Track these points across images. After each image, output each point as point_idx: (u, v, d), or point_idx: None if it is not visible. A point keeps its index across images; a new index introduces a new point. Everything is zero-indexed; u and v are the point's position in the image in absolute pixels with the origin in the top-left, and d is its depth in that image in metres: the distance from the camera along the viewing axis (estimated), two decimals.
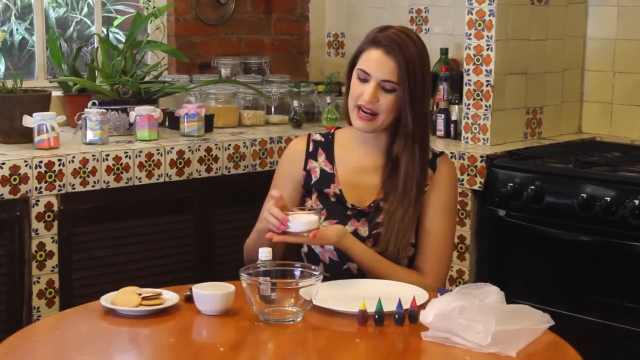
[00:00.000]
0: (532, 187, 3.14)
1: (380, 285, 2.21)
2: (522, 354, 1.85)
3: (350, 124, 2.46)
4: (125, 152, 3.16)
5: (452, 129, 3.65)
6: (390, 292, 2.11)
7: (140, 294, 2.07)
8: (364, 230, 2.39)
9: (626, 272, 2.95)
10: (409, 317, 2.00)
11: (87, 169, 3.07)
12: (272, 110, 3.94)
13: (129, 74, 3.46)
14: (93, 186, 3.09)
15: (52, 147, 3.09)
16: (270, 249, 2.16)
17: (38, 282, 3.00)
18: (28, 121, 3.09)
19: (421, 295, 2.11)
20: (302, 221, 2.19)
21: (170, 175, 3.28)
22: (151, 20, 3.65)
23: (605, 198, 2.96)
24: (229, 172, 3.43)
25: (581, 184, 3.04)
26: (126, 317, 2.03)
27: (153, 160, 3.23)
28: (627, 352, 2.98)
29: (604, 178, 3.02)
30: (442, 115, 3.65)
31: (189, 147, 3.32)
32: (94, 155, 3.09)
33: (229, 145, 3.43)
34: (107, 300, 2.07)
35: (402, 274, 2.33)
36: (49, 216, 3.00)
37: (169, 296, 2.11)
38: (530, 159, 3.33)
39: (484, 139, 3.48)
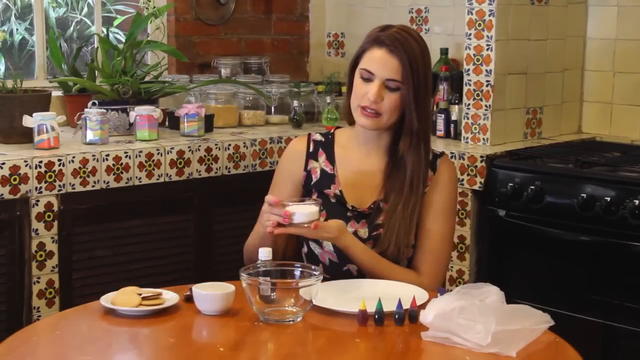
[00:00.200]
0: (532, 187, 3.14)
1: (380, 285, 2.21)
2: (522, 354, 1.85)
3: (350, 124, 2.46)
4: (125, 152, 3.16)
5: (452, 129, 3.64)
6: (390, 292, 2.11)
7: (140, 294, 2.07)
8: (363, 232, 2.38)
9: (626, 272, 2.95)
10: (409, 317, 2.00)
11: (87, 169, 3.07)
12: (272, 110, 3.94)
13: (129, 74, 3.46)
14: (93, 186, 3.09)
15: (52, 147, 3.09)
16: (270, 249, 2.16)
17: (38, 282, 3.00)
18: (28, 121, 3.09)
19: (421, 295, 2.11)
20: (303, 212, 2.19)
21: (170, 175, 3.28)
22: (151, 20, 3.65)
23: (605, 198, 2.96)
24: (229, 172, 3.43)
25: (581, 184, 3.04)
26: (126, 317, 2.03)
27: (153, 160, 3.23)
28: (627, 352, 2.98)
29: (604, 178, 3.02)
30: (442, 115, 3.65)
31: (189, 147, 3.32)
32: (94, 155, 3.09)
33: (229, 145, 3.43)
34: (107, 300, 2.07)
35: (401, 273, 2.32)
36: (49, 216, 3.00)
37: (169, 296, 2.11)
38: (530, 159, 3.33)
39: (484, 139, 3.48)
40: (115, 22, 5.05)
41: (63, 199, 3.03)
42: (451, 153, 3.33)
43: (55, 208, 3.01)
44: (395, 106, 2.33)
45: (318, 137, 2.50)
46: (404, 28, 2.37)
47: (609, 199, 2.95)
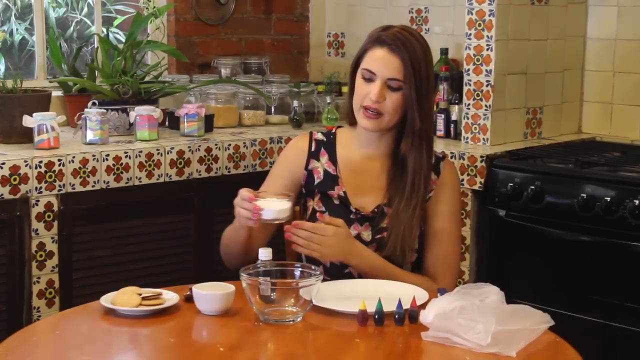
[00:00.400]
0: (532, 187, 3.14)
1: (380, 285, 2.21)
2: (522, 354, 1.85)
3: (350, 124, 2.45)
4: (125, 152, 3.16)
5: (452, 129, 3.64)
6: (390, 292, 2.11)
7: (140, 294, 2.07)
8: (367, 235, 2.37)
9: (626, 272, 2.95)
10: (409, 317, 2.00)
11: (87, 169, 3.07)
12: (272, 110, 3.94)
13: (129, 74, 3.46)
14: (93, 186, 3.09)
15: (52, 147, 3.09)
16: (270, 249, 2.16)
17: (38, 282, 3.00)
18: (28, 121, 3.09)
19: (421, 295, 2.11)
20: (272, 209, 2.19)
21: (170, 175, 3.28)
22: (151, 20, 3.65)
23: (605, 198, 2.96)
24: (229, 172, 3.43)
25: (581, 184, 3.04)
26: (126, 317, 2.03)
27: (153, 160, 3.23)
28: (627, 352, 2.98)
29: (604, 178, 3.02)
30: (442, 115, 3.65)
31: (189, 147, 3.32)
32: (94, 155, 3.09)
33: (229, 145, 3.43)
34: (107, 300, 2.07)
35: (415, 280, 2.29)
36: (49, 216, 3.00)
37: (169, 296, 2.10)
38: (530, 159, 3.33)
39: (484, 139, 3.48)
40: (115, 22, 5.05)
41: (63, 199, 3.03)
42: (451, 153, 3.33)
43: (55, 208, 3.01)
44: (397, 106, 2.32)
45: (320, 136, 2.49)
46: (405, 28, 2.36)
47: (609, 199, 2.95)
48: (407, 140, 2.35)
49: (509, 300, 1.98)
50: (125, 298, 2.06)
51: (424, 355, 1.91)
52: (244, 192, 2.21)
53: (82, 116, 3.23)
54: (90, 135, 3.21)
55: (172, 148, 3.28)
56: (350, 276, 2.35)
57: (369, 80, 2.33)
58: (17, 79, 3.25)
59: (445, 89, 3.67)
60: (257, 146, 3.50)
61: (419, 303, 2.02)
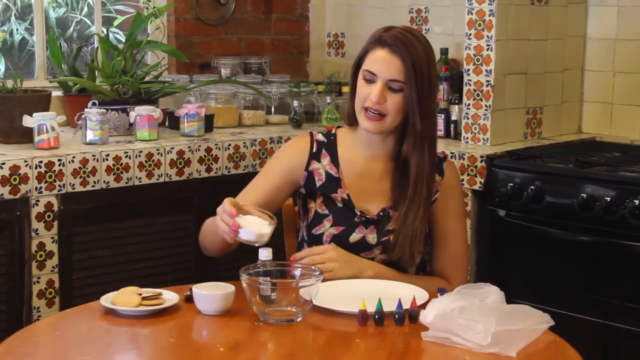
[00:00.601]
0: (532, 187, 3.14)
1: (380, 285, 2.21)
2: (522, 354, 1.85)
3: (350, 125, 2.43)
4: (125, 152, 3.16)
5: (452, 129, 3.65)
6: (390, 292, 2.11)
7: (140, 294, 2.07)
8: (372, 238, 2.36)
9: (626, 272, 2.95)
10: (409, 317, 2.00)
11: (87, 169, 3.07)
12: (272, 110, 3.94)
13: (129, 74, 3.46)
14: (93, 186, 3.09)
15: (52, 147, 3.09)
16: (270, 249, 2.15)
17: (38, 282, 3.00)
18: (28, 121, 3.10)
19: (421, 295, 2.11)
20: (251, 231, 2.10)
21: (170, 175, 3.28)
22: (151, 20, 3.65)
23: (605, 198, 2.96)
24: (229, 172, 3.43)
25: (581, 184, 3.04)
26: (126, 317, 2.03)
27: (153, 160, 3.23)
28: (627, 352, 2.98)
29: (604, 178, 3.02)
30: (442, 115, 3.65)
31: (189, 147, 3.32)
32: (94, 155, 3.09)
33: (229, 145, 3.43)
34: (107, 300, 2.07)
35: (429, 283, 2.28)
36: (49, 216, 3.00)
37: (169, 296, 2.10)
38: (530, 159, 3.33)
39: (484, 139, 3.48)
40: (115, 22, 5.05)
41: (63, 199, 3.03)
42: (451, 153, 3.33)
43: (55, 208, 3.01)
44: (399, 108, 2.29)
45: (320, 137, 2.45)
46: (407, 29, 2.34)
47: (609, 199, 2.95)
48: (409, 142, 2.32)
49: (509, 300, 1.98)
50: (125, 298, 2.06)
51: (424, 355, 1.91)
52: (228, 205, 2.13)
53: (82, 116, 3.23)
54: (90, 135, 3.21)
55: (172, 148, 3.28)
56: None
57: (370, 81, 2.31)
58: (17, 79, 3.25)
59: (445, 89, 3.67)
60: (257, 146, 3.50)
61: (419, 303, 2.02)
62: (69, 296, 3.06)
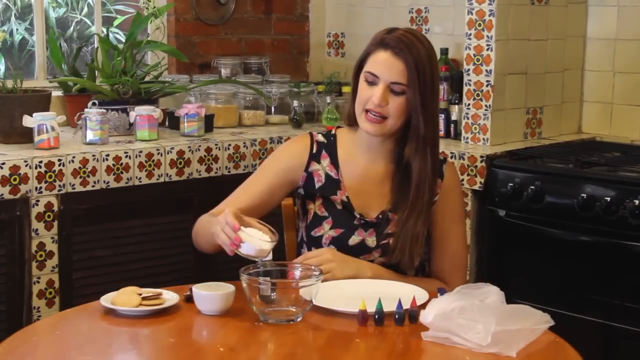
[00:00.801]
0: (532, 187, 3.14)
1: (380, 286, 2.21)
2: (522, 354, 1.85)
3: (350, 126, 2.42)
4: (125, 152, 3.16)
5: (452, 129, 3.65)
6: (390, 292, 2.11)
7: (140, 294, 2.07)
8: (371, 241, 2.35)
9: (626, 272, 2.95)
10: (409, 317, 2.00)
11: (87, 169, 3.07)
12: (272, 110, 3.94)
13: (129, 74, 3.46)
14: (93, 186, 3.09)
15: (52, 147, 3.09)
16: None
17: (38, 282, 3.00)
18: (28, 121, 3.10)
19: (421, 295, 2.11)
20: (252, 246, 2.10)
21: (170, 175, 3.28)
22: (151, 20, 3.65)
23: (605, 198, 2.96)
24: (229, 172, 3.43)
25: (581, 184, 3.04)
26: (126, 317, 2.03)
27: (153, 160, 3.23)
28: (627, 352, 2.98)
29: (604, 178, 3.02)
30: (442, 116, 3.64)
31: (189, 147, 3.32)
32: (94, 155, 3.09)
33: (229, 145, 3.43)
34: (107, 300, 2.07)
35: (427, 285, 2.27)
36: (49, 216, 3.00)
37: (169, 296, 2.10)
38: (530, 159, 3.33)
39: (484, 139, 3.48)
40: (115, 22, 5.05)
41: (63, 199, 3.03)
42: (451, 153, 3.33)
43: (55, 208, 3.01)
44: (401, 110, 2.27)
45: (320, 137, 2.44)
46: (410, 31, 2.32)
47: (609, 199, 2.95)
48: (411, 145, 2.30)
49: (509, 300, 1.98)
50: (125, 298, 2.06)
51: (424, 355, 1.91)
52: (231, 219, 2.11)
53: (82, 116, 3.23)
54: (90, 135, 3.21)
55: (172, 148, 3.28)
56: None
57: (372, 83, 2.29)
58: (17, 79, 3.25)
59: (445, 89, 3.67)
60: (257, 146, 3.50)
61: (419, 303, 2.02)
62: (69, 296, 3.06)
